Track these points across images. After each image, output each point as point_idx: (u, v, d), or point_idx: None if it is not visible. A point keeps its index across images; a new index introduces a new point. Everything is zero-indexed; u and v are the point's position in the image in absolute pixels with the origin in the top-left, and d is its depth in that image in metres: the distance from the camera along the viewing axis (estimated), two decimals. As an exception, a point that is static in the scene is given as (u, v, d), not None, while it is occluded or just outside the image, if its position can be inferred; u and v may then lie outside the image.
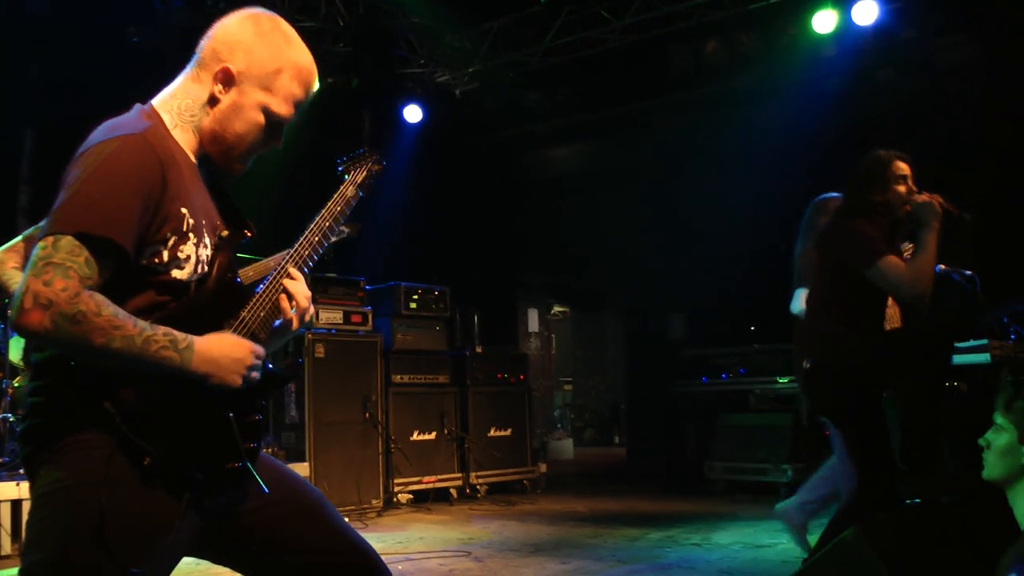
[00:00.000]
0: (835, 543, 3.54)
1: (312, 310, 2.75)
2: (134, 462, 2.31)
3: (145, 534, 2.35)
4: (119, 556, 2.29)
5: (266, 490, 2.57)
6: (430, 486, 10.12)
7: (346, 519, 2.87)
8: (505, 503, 10.06)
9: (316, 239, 2.83)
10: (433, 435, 10.27)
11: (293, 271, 2.73)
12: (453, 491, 10.34)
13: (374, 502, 9.41)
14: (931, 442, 5.03)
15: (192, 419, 2.42)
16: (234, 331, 2.54)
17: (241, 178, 2.89)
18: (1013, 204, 9.63)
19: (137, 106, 2.63)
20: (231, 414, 2.47)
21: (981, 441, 3.15)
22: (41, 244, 2.24)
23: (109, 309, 2.23)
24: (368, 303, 9.91)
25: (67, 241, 2.24)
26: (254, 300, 2.65)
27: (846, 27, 10.19)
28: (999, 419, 3.09)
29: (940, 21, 10.22)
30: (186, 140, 2.62)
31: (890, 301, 7.13)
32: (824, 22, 10.20)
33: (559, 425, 19.18)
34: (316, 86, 2.78)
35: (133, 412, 2.31)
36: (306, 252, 2.79)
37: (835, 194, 6.37)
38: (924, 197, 5.03)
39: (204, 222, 2.60)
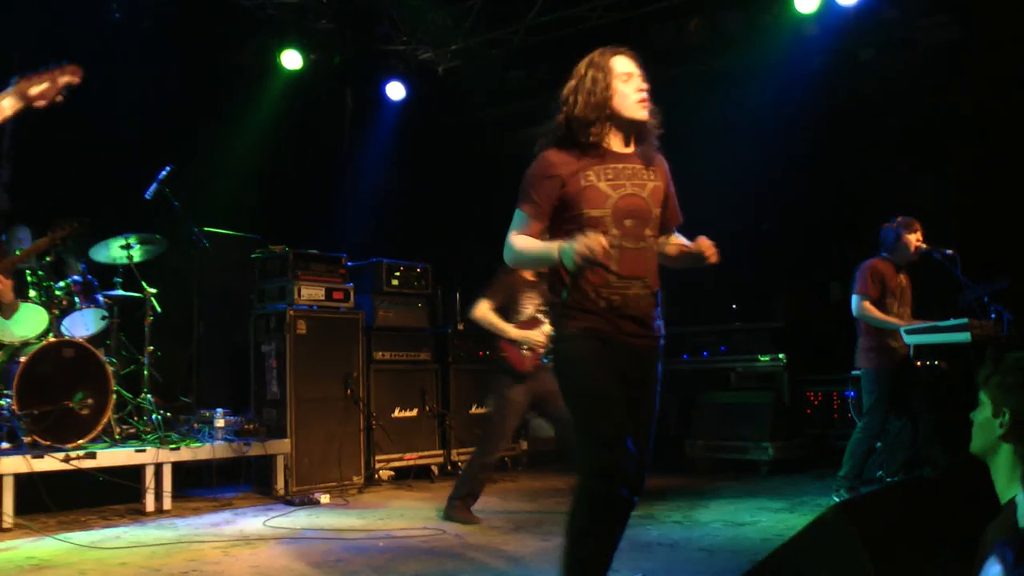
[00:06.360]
0: (814, 522, 3.56)
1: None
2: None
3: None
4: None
5: None
6: (411, 463, 10.14)
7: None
8: (486, 480, 10.08)
9: None
10: (415, 412, 10.28)
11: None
12: (434, 468, 10.36)
13: (355, 479, 9.42)
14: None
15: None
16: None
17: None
18: (993, 183, 9.66)
19: None
20: None
21: (972, 415, 3.20)
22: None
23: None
24: (350, 280, 9.89)
25: None
26: None
27: (828, 6, 10.19)
28: (982, 395, 3.14)
29: (922, 1, 10.23)
30: None
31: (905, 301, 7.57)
32: (807, 1, 10.18)
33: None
34: None
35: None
36: None
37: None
38: None
39: None
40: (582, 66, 4.25)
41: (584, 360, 4.07)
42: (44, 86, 3.22)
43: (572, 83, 4.21)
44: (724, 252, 4.30)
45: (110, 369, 7.97)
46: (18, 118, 3.33)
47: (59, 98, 3.38)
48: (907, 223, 7.78)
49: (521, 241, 4.15)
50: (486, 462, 7.68)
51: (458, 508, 7.52)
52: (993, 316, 7.56)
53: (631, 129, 4.22)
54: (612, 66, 4.18)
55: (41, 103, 3.21)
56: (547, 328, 7.24)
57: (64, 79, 3.33)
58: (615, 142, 4.20)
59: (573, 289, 4.03)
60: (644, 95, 4.18)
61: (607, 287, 4.04)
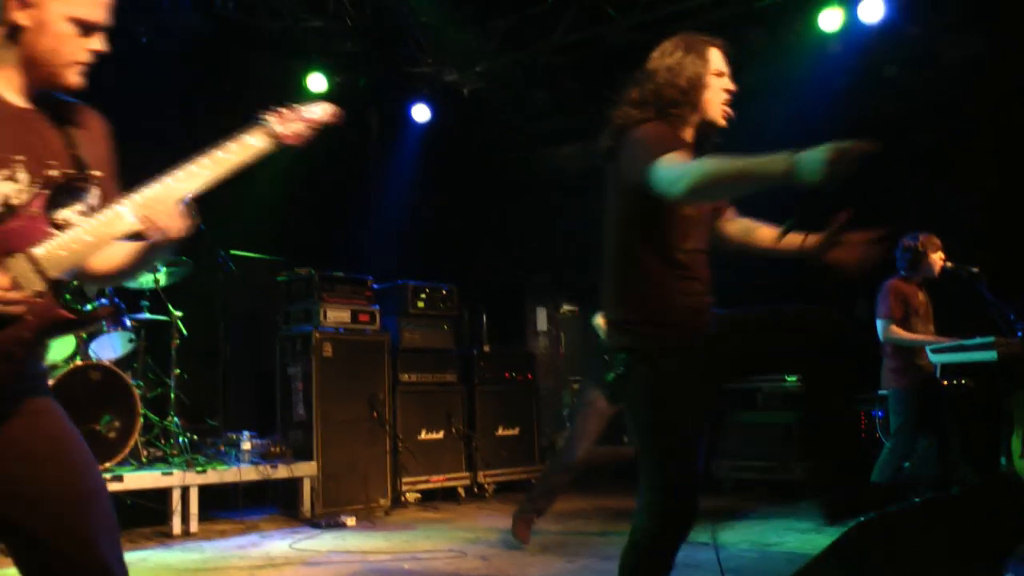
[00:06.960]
0: (838, 541, 3.54)
1: None
2: None
3: None
4: None
5: None
6: (438, 485, 10.14)
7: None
8: (513, 502, 10.04)
9: None
10: (441, 434, 10.28)
11: None
12: (461, 490, 10.35)
13: (382, 501, 9.42)
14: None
15: None
16: None
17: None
18: (1018, 199, 9.63)
19: None
20: None
21: None
22: None
23: None
24: (376, 302, 9.92)
25: None
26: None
27: (852, 24, 10.17)
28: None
29: (946, 18, 10.21)
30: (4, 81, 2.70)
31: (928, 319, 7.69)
32: (830, 20, 10.17)
33: (567, 424, 19.16)
34: None
35: None
36: None
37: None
38: None
39: (18, 157, 2.66)
40: (677, 47, 3.87)
41: (675, 390, 3.72)
42: (297, 125, 3.21)
43: (664, 60, 3.88)
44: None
45: (137, 392, 8.00)
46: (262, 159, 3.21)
47: (311, 137, 3.32)
48: (930, 241, 7.74)
49: (701, 160, 3.54)
50: (565, 463, 7.81)
51: (519, 524, 7.47)
52: (1020, 334, 7.50)
53: (702, 128, 3.99)
54: (709, 57, 3.90)
55: (292, 142, 3.18)
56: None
57: (319, 118, 3.30)
58: (688, 133, 3.96)
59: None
60: (729, 98, 3.97)
61: (698, 294, 3.91)
